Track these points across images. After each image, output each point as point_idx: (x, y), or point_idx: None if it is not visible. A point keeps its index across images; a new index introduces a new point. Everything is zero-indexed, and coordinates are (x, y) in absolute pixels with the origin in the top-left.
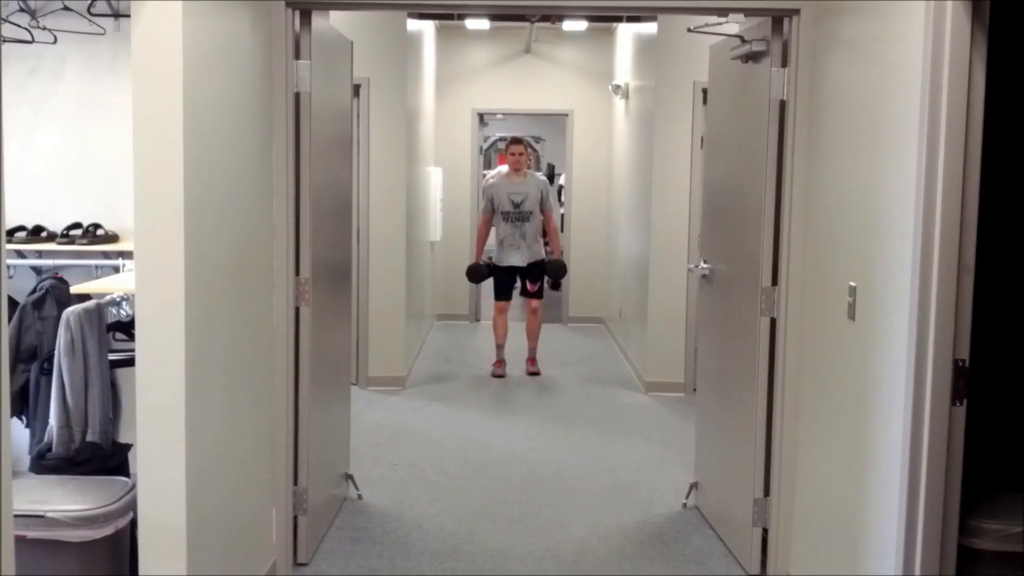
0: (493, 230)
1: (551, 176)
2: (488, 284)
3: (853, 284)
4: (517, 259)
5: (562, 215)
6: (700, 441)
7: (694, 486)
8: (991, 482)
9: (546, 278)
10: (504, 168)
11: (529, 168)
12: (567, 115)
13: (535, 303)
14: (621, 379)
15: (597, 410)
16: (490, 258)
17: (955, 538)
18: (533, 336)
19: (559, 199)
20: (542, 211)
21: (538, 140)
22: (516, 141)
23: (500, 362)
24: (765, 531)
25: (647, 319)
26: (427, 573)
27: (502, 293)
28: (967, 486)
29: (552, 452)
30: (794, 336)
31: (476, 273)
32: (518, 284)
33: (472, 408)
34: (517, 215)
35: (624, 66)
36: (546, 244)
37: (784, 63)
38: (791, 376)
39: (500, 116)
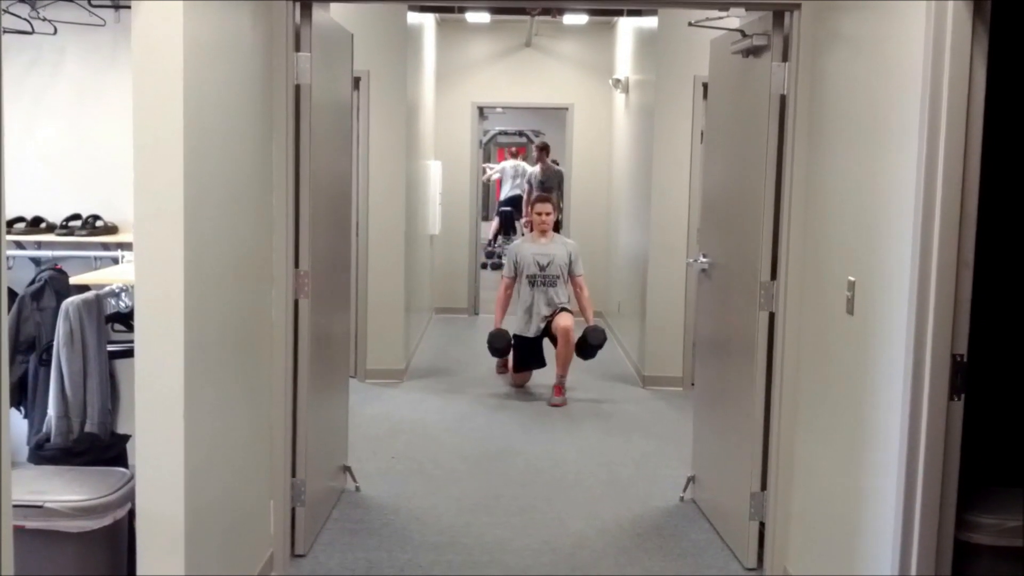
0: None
1: (560, 184)
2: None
3: (852, 279)
4: (537, 330)
5: (562, 209)
6: (697, 435)
7: (691, 480)
8: (988, 477)
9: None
10: (512, 163)
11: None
12: (567, 109)
13: (566, 322)
14: (619, 373)
15: (595, 404)
16: (506, 332)
17: (952, 532)
18: (564, 363)
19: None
20: (571, 277)
21: (538, 134)
22: (542, 200)
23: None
24: (762, 525)
25: (646, 313)
26: (425, 565)
27: (522, 366)
28: (964, 481)
29: (550, 446)
30: (793, 330)
31: (499, 340)
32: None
33: (470, 402)
34: (544, 279)
35: (624, 60)
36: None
37: (785, 58)
38: (789, 370)
39: (500, 110)
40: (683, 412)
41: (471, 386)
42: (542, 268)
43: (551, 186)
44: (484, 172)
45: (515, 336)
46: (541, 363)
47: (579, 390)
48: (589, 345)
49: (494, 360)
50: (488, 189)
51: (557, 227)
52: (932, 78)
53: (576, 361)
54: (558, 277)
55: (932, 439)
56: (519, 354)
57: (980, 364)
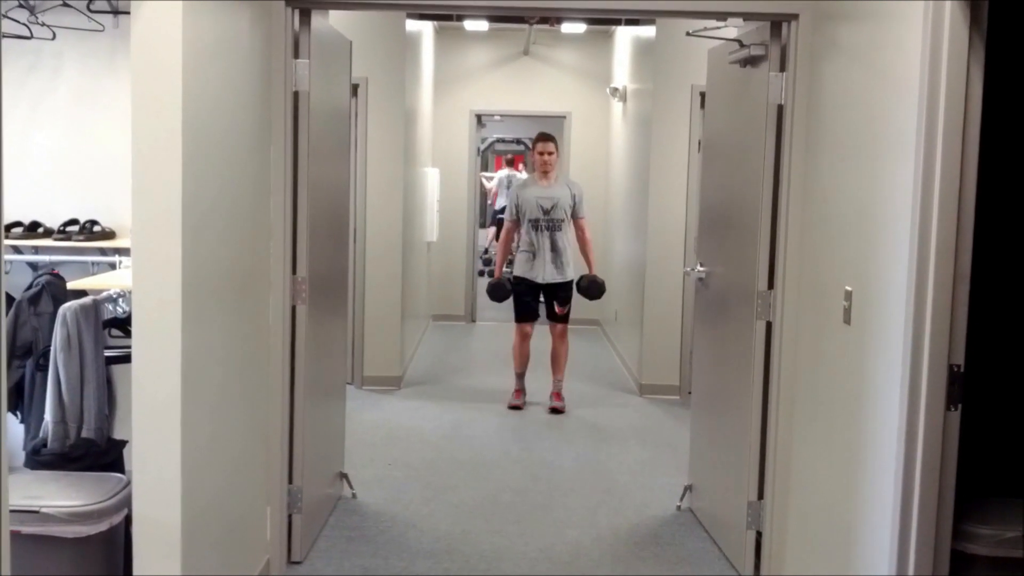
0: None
1: None
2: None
3: (849, 288)
4: (546, 274)
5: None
6: (694, 444)
7: (688, 489)
8: (985, 488)
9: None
10: (506, 173)
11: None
12: (565, 117)
13: (561, 327)
14: (616, 382)
15: (592, 412)
16: (511, 274)
17: (948, 542)
18: (559, 366)
19: None
20: (574, 219)
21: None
22: (544, 138)
23: (518, 391)
24: (759, 534)
25: (643, 322)
26: (421, 573)
27: (525, 313)
28: (961, 491)
29: (547, 454)
30: (789, 340)
31: (499, 290)
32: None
33: (467, 409)
34: (548, 223)
35: (622, 69)
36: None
37: (782, 67)
38: (786, 380)
39: (498, 117)
40: (680, 421)
41: (468, 393)
42: (546, 212)
43: None
44: (483, 185)
45: (518, 278)
46: (535, 314)
47: (576, 398)
48: (588, 298)
49: (492, 367)
50: (485, 197)
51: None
52: (929, 88)
53: (573, 370)
54: (563, 220)
55: (929, 449)
56: (518, 300)
57: (977, 374)
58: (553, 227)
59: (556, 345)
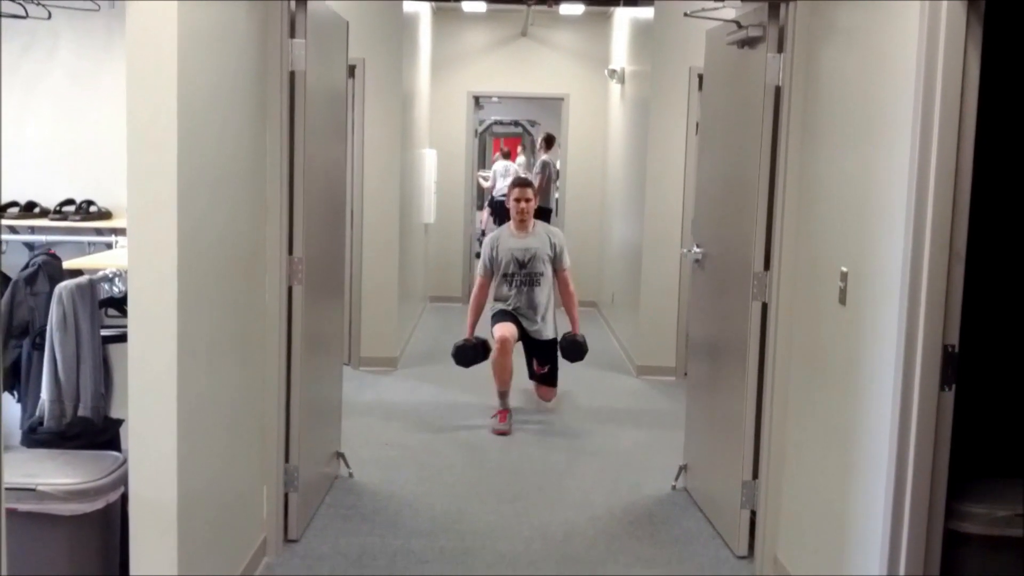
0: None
1: (558, 176)
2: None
3: (845, 269)
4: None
5: (556, 199)
6: (690, 424)
7: (683, 468)
8: (979, 467)
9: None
10: (503, 164)
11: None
12: (563, 99)
13: (550, 393)
14: (612, 363)
15: (588, 393)
16: (481, 340)
17: (941, 521)
18: (548, 399)
19: (555, 180)
20: (555, 272)
21: (533, 124)
22: (522, 184)
23: (504, 413)
24: (753, 513)
25: (639, 304)
26: (417, 551)
27: (503, 315)
28: (955, 471)
29: (543, 434)
30: (785, 321)
31: (465, 353)
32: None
33: (463, 390)
34: (524, 277)
35: (620, 51)
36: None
37: (780, 49)
38: (781, 360)
39: (496, 99)
40: (676, 402)
41: (464, 374)
42: (522, 265)
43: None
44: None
45: (485, 343)
46: (515, 318)
47: (572, 380)
48: (568, 358)
49: (492, 354)
50: (482, 193)
51: (547, 216)
52: (926, 70)
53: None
54: (541, 275)
55: (923, 429)
56: (496, 310)
57: (971, 355)
58: (531, 282)
59: (545, 395)
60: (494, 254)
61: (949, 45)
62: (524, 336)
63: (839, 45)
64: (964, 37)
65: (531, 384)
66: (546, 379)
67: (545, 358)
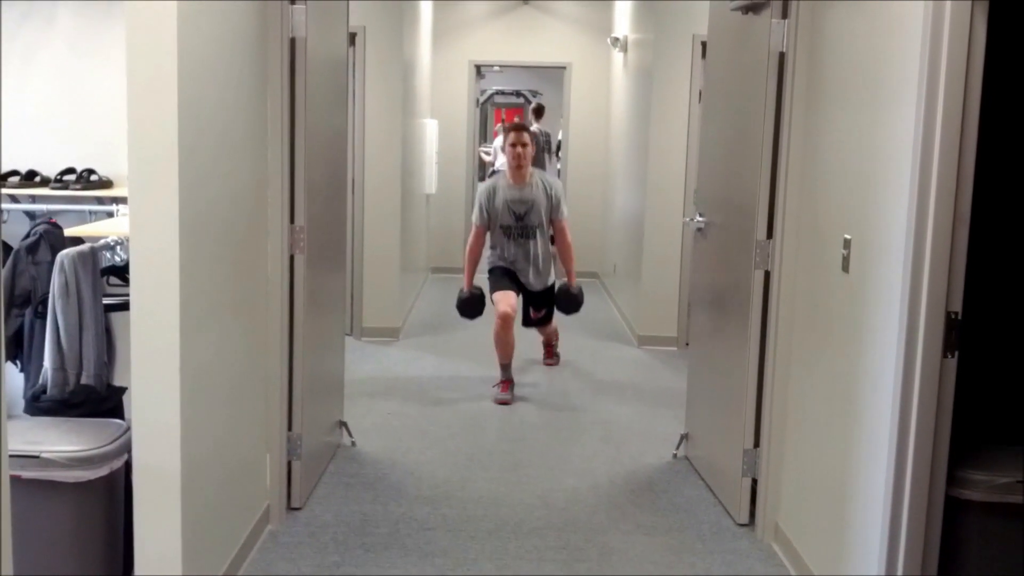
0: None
1: (548, 147)
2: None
3: (848, 237)
4: (521, 278)
5: (559, 170)
6: (691, 392)
7: (684, 437)
8: (980, 435)
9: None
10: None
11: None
12: (565, 68)
13: (547, 331)
14: (614, 333)
15: (590, 363)
16: (479, 290)
17: (943, 488)
18: (550, 337)
19: (556, 153)
20: (551, 222)
21: (535, 94)
22: (518, 128)
23: (505, 383)
24: (754, 481)
25: (641, 274)
26: (419, 518)
27: (502, 282)
28: (956, 438)
29: (544, 404)
30: (788, 289)
31: (469, 305)
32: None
33: (465, 359)
34: (520, 230)
35: (623, 19)
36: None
37: (784, 15)
38: (784, 329)
39: (497, 68)
40: (677, 371)
41: (466, 344)
42: (519, 217)
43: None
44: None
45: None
46: (516, 282)
47: (574, 350)
48: (563, 309)
49: (490, 319)
50: (483, 166)
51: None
52: (932, 34)
53: (571, 322)
54: (538, 227)
55: (925, 396)
56: (494, 273)
57: (975, 322)
58: (527, 234)
59: (544, 332)
60: (490, 204)
61: (955, 8)
62: (521, 289)
63: (844, 10)
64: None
65: (536, 356)
66: (542, 322)
67: (541, 303)
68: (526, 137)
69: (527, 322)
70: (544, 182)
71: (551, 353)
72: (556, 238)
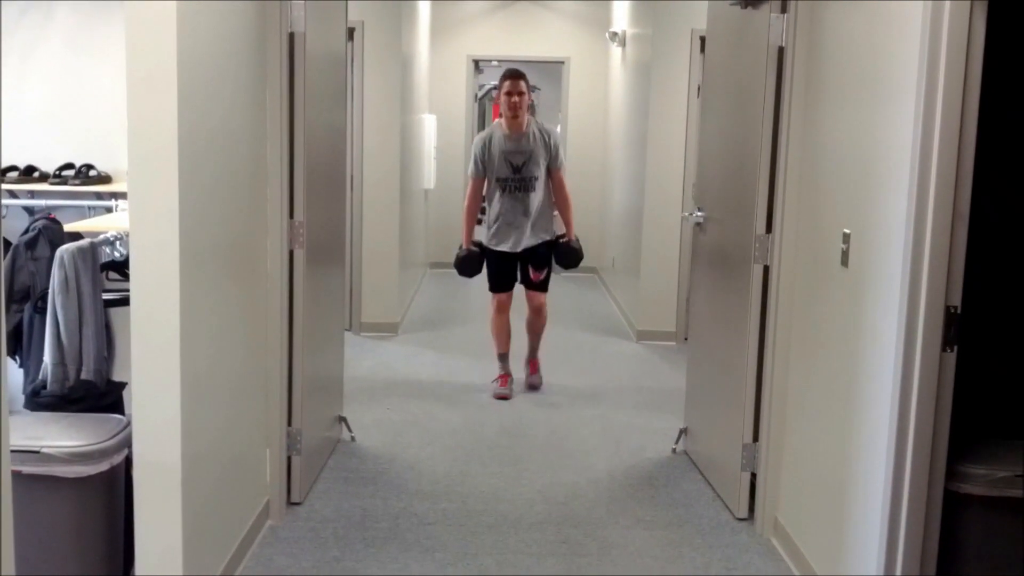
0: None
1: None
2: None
3: (847, 231)
4: (520, 243)
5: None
6: (690, 387)
7: (683, 432)
8: (979, 429)
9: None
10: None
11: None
12: (563, 63)
13: (539, 298)
14: (613, 328)
15: (589, 358)
16: (479, 244)
17: (942, 482)
18: (535, 333)
19: None
20: (549, 173)
21: (534, 89)
22: (514, 75)
23: (504, 377)
24: (753, 476)
25: (640, 269)
26: (419, 513)
27: (499, 283)
28: (956, 432)
29: (543, 399)
30: (787, 283)
31: (467, 264)
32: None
33: (464, 355)
34: (518, 182)
35: (622, 14)
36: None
37: (784, 9)
38: (783, 323)
39: (496, 63)
40: (676, 366)
41: (465, 339)
42: (516, 169)
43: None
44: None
45: (486, 251)
46: (511, 283)
47: (573, 345)
48: (563, 263)
49: (489, 313)
50: None
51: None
52: (931, 30)
53: (570, 317)
54: (536, 179)
55: (924, 390)
56: (492, 270)
57: (974, 316)
58: (525, 187)
59: (532, 318)
60: (485, 155)
61: (955, 4)
62: (519, 255)
63: (843, 5)
64: None
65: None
66: (540, 287)
67: (541, 262)
68: (522, 85)
69: (526, 281)
70: (542, 131)
71: (535, 365)
72: (554, 189)
